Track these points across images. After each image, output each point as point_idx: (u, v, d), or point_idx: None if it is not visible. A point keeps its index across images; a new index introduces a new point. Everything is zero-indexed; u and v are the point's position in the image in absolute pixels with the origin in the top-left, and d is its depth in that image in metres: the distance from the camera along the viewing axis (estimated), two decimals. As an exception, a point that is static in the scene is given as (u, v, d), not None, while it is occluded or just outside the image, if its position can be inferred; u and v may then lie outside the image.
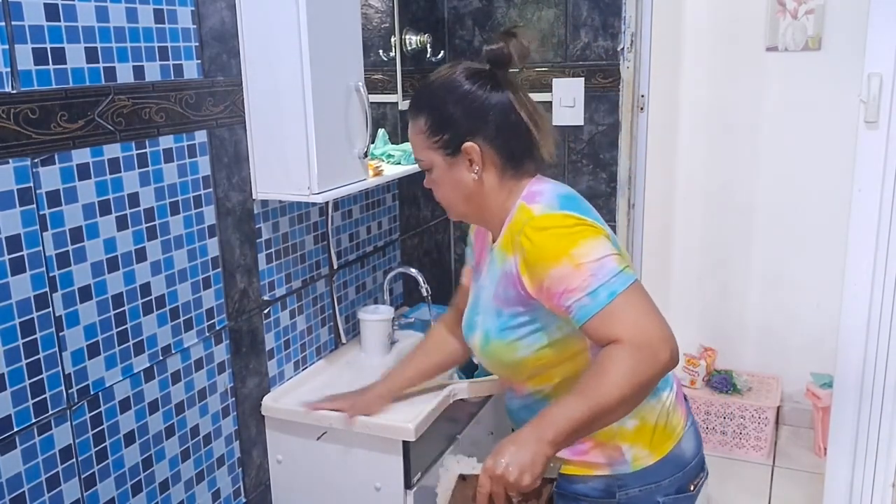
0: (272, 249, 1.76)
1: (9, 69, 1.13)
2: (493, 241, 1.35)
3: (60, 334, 1.25)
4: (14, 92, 1.14)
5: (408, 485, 1.68)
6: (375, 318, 1.99)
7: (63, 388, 1.27)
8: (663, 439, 1.32)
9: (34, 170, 1.18)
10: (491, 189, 1.30)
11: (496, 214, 1.31)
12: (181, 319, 1.51)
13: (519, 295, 1.25)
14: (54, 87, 1.20)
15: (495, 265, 1.31)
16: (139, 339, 1.41)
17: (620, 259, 1.17)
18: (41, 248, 1.21)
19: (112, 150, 1.32)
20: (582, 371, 1.23)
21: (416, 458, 1.69)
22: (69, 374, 1.28)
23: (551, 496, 1.28)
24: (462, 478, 1.30)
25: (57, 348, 1.25)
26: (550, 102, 2.42)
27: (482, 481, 1.12)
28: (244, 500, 1.75)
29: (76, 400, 1.29)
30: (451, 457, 1.43)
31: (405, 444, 1.64)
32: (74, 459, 1.30)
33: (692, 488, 1.36)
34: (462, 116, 1.27)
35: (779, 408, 3.18)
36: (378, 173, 1.89)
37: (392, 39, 2.14)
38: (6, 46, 1.13)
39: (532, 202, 1.26)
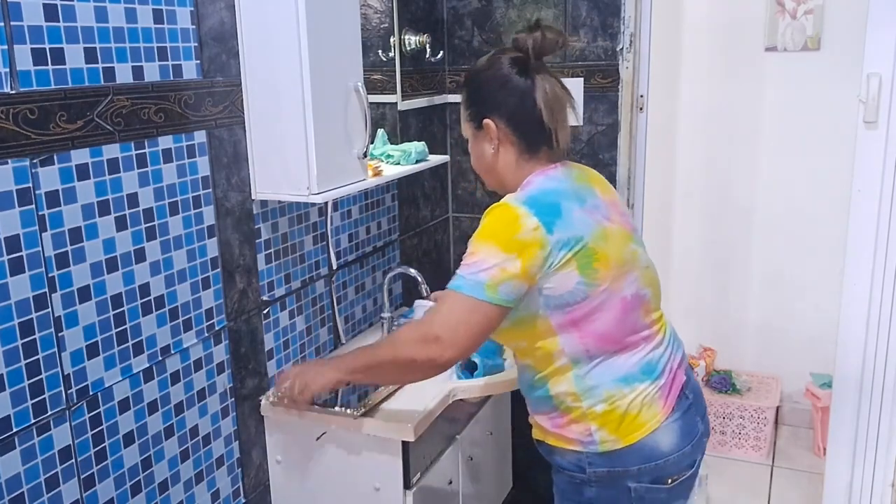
0: (271, 250, 1.76)
1: (8, 69, 1.13)
2: None
3: (60, 335, 1.25)
4: (13, 92, 1.14)
5: (407, 485, 1.68)
6: None
7: (62, 388, 1.27)
8: (632, 429, 1.38)
9: (33, 170, 1.18)
10: (507, 166, 1.44)
11: (512, 191, 1.43)
12: (180, 320, 1.51)
13: None
14: (53, 87, 1.20)
15: None
16: (138, 339, 1.41)
17: (496, 278, 1.30)
18: (40, 248, 1.21)
19: (111, 151, 1.32)
20: (552, 352, 1.39)
21: (416, 458, 1.69)
22: (68, 374, 1.28)
23: None
24: None
25: (56, 349, 1.25)
26: (550, 102, 2.41)
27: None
28: (243, 501, 1.75)
29: (75, 400, 1.29)
30: None
31: (404, 444, 1.64)
32: (74, 460, 1.30)
33: (669, 482, 1.41)
34: (485, 95, 1.43)
35: (778, 408, 3.18)
36: (377, 173, 1.89)
37: (391, 40, 2.14)
38: (5, 47, 1.13)
39: (520, 189, 1.41)
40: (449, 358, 1.34)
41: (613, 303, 1.36)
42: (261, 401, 1.75)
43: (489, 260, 1.30)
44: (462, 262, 1.33)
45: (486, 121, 1.41)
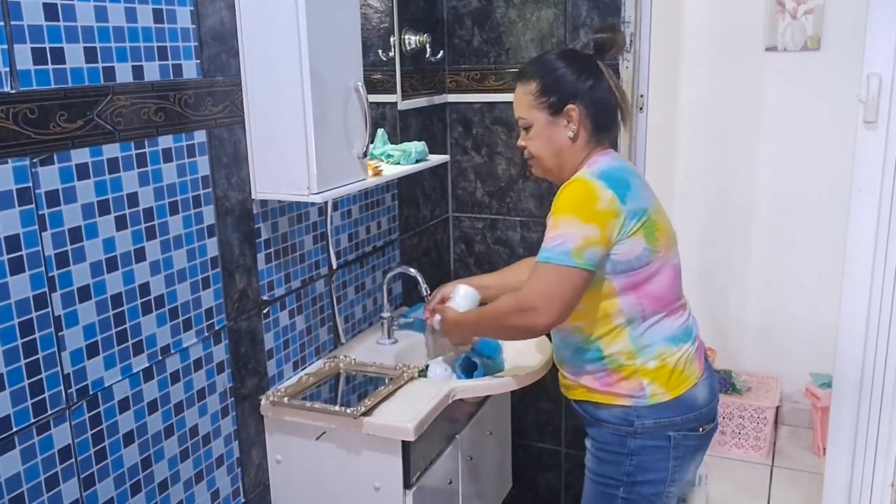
0: (271, 249, 1.76)
1: (8, 69, 1.13)
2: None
3: (59, 334, 1.25)
4: (13, 92, 1.14)
5: (407, 484, 1.68)
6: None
7: (62, 388, 1.27)
8: (679, 382, 1.56)
9: (33, 170, 1.18)
10: (576, 149, 1.58)
11: (570, 171, 1.58)
12: (180, 319, 1.51)
13: None
14: (53, 86, 1.20)
15: None
16: (138, 339, 1.41)
17: (581, 245, 1.44)
18: (40, 248, 1.21)
19: (111, 150, 1.32)
20: (610, 312, 1.53)
21: (416, 457, 1.69)
22: (68, 374, 1.28)
23: None
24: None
25: (56, 348, 1.25)
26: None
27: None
28: (243, 500, 1.75)
29: (75, 400, 1.29)
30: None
31: (404, 443, 1.64)
32: (73, 459, 1.30)
33: (701, 430, 1.60)
34: (568, 84, 1.56)
35: (778, 408, 3.19)
36: (377, 173, 1.89)
37: (391, 39, 2.14)
38: (5, 46, 1.13)
39: (588, 167, 1.56)
40: (545, 324, 1.49)
41: (667, 268, 1.55)
42: (260, 400, 1.75)
43: (572, 230, 1.45)
44: (546, 237, 1.48)
45: (570, 106, 1.55)
